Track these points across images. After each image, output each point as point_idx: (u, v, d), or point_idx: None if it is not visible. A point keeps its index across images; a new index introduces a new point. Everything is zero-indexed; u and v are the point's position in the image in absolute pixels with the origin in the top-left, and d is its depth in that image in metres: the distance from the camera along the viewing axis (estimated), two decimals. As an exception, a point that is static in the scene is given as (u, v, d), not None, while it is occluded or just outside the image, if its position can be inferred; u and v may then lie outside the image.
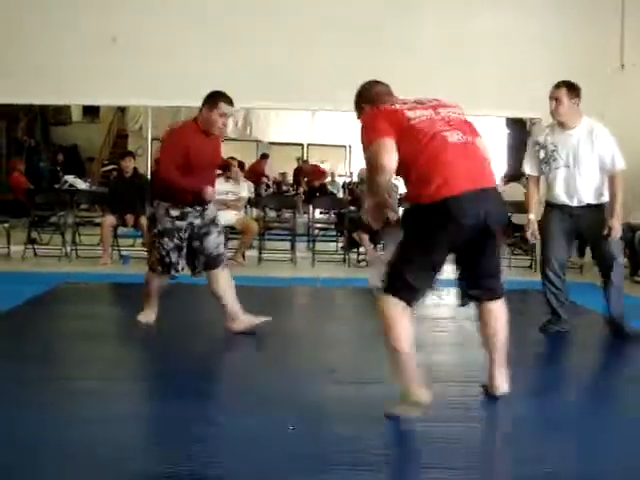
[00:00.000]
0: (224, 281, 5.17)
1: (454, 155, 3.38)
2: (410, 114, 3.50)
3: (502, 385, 3.76)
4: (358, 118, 3.79)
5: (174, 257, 5.10)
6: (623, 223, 8.43)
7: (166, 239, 5.06)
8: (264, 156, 17.56)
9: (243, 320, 5.11)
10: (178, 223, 5.04)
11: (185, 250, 5.13)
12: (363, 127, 3.54)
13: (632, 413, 3.73)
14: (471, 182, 3.34)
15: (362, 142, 3.50)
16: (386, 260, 3.55)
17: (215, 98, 5.11)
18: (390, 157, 3.34)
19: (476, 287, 3.65)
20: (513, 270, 8.97)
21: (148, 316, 5.36)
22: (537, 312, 6.42)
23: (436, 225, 3.32)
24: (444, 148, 3.39)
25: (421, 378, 3.34)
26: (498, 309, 3.70)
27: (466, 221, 3.31)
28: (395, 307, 3.35)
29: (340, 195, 15.45)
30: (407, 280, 3.34)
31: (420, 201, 3.37)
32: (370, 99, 3.77)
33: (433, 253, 3.37)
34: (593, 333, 5.89)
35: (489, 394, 3.79)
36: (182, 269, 5.20)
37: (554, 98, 5.26)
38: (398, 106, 3.57)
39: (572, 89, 5.29)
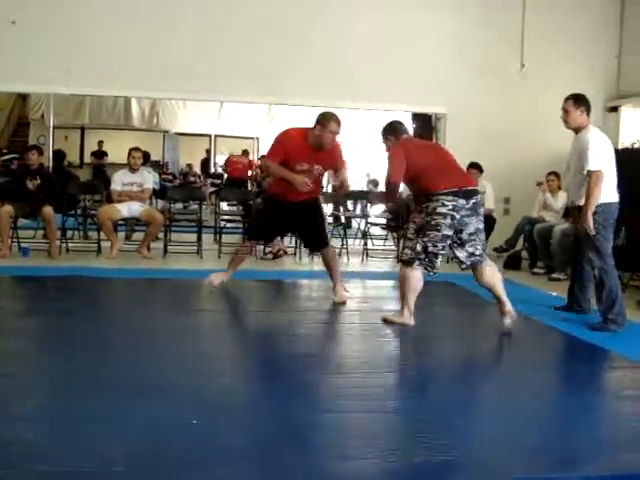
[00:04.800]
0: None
1: None
2: None
3: (343, 295, 6.10)
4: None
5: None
6: (523, 217, 8.87)
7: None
8: (245, 152, 17.33)
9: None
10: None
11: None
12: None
13: (529, 397, 3.87)
14: None
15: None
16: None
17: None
18: None
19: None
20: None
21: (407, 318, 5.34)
22: (440, 303, 6.59)
23: None
24: None
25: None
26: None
27: None
28: None
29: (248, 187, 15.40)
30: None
31: None
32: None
33: None
34: (493, 322, 6.07)
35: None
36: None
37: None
38: None
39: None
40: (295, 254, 9.05)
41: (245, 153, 17.34)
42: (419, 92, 9.72)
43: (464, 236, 5.18)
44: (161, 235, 8.88)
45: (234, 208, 11.53)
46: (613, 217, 5.63)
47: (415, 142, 5.85)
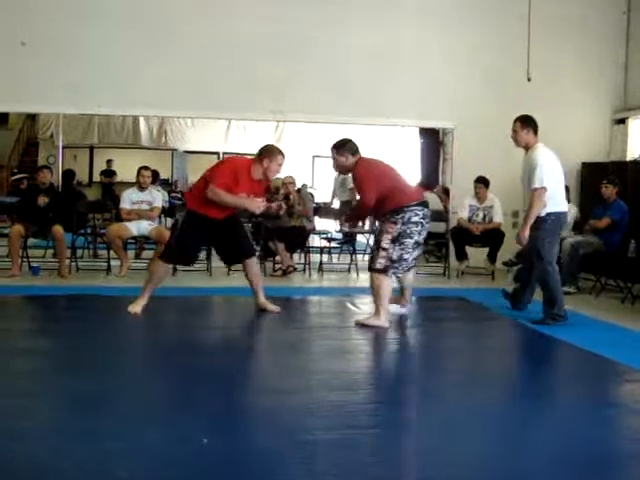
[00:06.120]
0: None
1: None
2: None
3: (269, 305, 6.26)
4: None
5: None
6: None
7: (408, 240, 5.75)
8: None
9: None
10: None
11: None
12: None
13: (538, 412, 3.85)
14: None
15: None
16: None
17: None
18: None
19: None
20: (428, 278, 9.11)
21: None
22: (451, 318, 6.58)
23: None
24: None
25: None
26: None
27: None
28: None
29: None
30: None
31: None
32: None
33: None
34: (504, 336, 6.07)
35: (262, 310, 6.21)
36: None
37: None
38: None
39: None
40: (304, 271, 9.06)
41: None
42: (426, 107, 9.73)
43: (420, 240, 5.88)
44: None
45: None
46: (561, 224, 6.33)
47: (372, 161, 6.16)
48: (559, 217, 6.19)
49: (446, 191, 10.47)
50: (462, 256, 9.11)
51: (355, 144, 6.06)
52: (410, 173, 12.82)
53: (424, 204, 5.87)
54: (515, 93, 9.76)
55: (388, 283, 5.78)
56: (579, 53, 9.99)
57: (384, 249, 5.70)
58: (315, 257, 9.29)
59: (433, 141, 11.54)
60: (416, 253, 5.90)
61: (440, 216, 9.75)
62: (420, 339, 5.94)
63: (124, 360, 4.85)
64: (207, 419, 3.57)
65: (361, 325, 5.85)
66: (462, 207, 9.15)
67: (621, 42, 10.11)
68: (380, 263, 5.71)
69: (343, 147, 6.00)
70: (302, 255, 9.29)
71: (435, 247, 10.32)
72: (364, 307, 6.71)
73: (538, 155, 6.15)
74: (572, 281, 7.98)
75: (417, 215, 5.74)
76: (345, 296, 7.34)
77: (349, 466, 3.05)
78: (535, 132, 6.27)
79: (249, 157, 6.22)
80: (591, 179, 9.52)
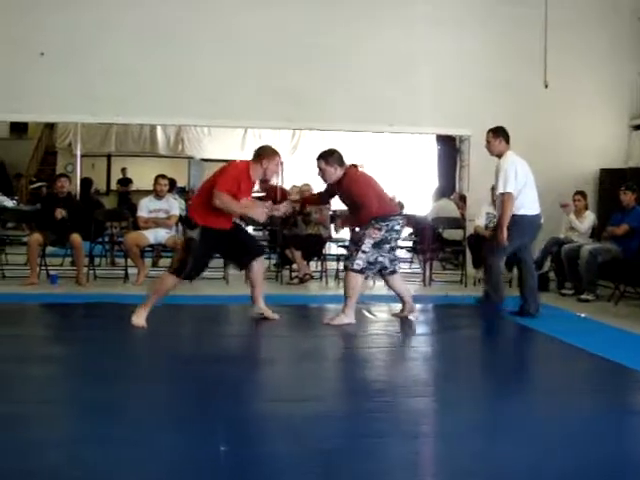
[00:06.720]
0: None
1: None
2: None
3: (269, 312, 6.29)
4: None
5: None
6: (550, 237, 8.81)
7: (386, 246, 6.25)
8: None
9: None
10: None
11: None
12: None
13: (558, 420, 3.82)
14: None
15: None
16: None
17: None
18: None
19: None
20: (445, 285, 9.08)
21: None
22: (468, 326, 6.55)
23: None
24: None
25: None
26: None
27: None
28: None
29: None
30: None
31: None
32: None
33: None
34: (520, 344, 6.03)
35: (257, 314, 6.28)
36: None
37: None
38: None
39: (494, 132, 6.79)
40: (321, 278, 9.05)
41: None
42: (443, 114, 9.71)
43: (395, 246, 6.48)
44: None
45: (260, 233, 11.53)
46: (528, 225, 6.68)
47: (360, 172, 6.57)
48: (522, 218, 6.57)
49: (463, 198, 10.44)
50: (479, 263, 9.05)
51: (341, 154, 6.21)
52: (427, 180, 12.81)
53: (401, 215, 6.51)
54: (532, 100, 9.75)
55: (362, 283, 6.34)
56: (596, 59, 9.96)
57: (364, 252, 6.12)
58: (332, 265, 9.28)
59: (450, 148, 11.51)
60: (390, 256, 6.32)
61: (457, 223, 9.74)
62: (436, 347, 5.91)
63: (141, 367, 4.86)
64: (222, 426, 3.57)
65: (329, 324, 6.15)
66: (479, 214, 9.11)
67: (638, 49, 10.06)
68: (358, 264, 6.13)
69: (332, 156, 6.17)
70: (319, 263, 9.29)
71: (452, 254, 10.29)
72: (380, 314, 6.71)
73: (504, 162, 6.61)
74: (591, 288, 7.94)
75: (399, 224, 6.27)
76: (361, 304, 7.30)
77: (363, 474, 3.04)
78: (507, 141, 6.72)
79: (246, 160, 6.11)
80: (609, 185, 9.47)
